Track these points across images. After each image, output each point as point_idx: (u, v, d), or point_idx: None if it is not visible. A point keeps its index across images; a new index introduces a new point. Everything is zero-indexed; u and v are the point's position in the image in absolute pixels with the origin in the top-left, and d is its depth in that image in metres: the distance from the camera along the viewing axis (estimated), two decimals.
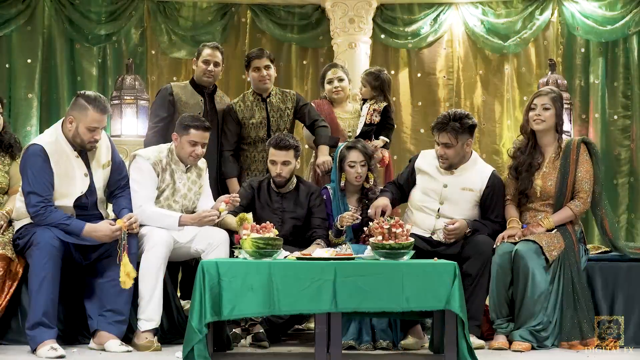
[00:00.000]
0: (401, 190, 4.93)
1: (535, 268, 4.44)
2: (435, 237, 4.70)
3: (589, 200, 4.68)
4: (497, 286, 4.50)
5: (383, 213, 4.66)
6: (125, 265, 4.24)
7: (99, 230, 4.30)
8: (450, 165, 4.73)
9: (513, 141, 5.05)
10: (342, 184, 4.98)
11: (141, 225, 4.48)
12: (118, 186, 4.61)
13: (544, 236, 4.55)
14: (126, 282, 4.24)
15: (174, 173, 4.69)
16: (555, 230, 4.62)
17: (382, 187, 5.02)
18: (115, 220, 4.49)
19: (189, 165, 4.75)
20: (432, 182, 4.76)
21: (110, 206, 4.72)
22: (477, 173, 4.76)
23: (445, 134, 4.65)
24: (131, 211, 4.51)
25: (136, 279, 4.36)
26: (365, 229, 4.63)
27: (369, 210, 4.75)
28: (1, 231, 4.45)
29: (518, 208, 4.78)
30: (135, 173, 4.65)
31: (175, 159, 4.71)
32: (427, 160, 4.85)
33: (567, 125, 6.69)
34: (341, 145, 5.08)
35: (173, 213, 4.63)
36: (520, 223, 4.71)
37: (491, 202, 4.75)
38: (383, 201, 4.77)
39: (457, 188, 4.72)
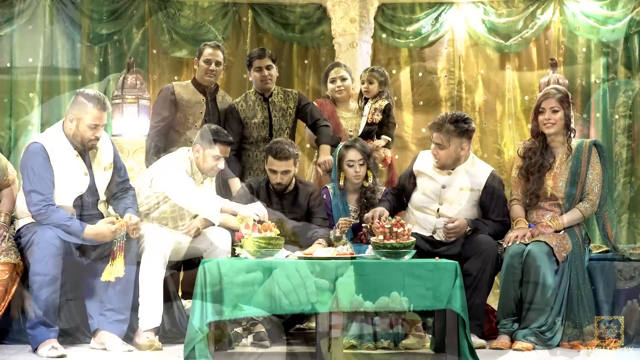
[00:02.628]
0: (400, 196, 4.92)
1: (547, 271, 4.43)
2: (436, 237, 4.70)
3: (597, 203, 4.68)
4: (507, 286, 4.49)
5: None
6: (116, 264, 4.24)
7: (99, 232, 4.29)
8: (443, 166, 4.72)
9: (523, 141, 5.04)
10: (341, 183, 4.98)
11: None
12: (120, 189, 4.61)
13: (554, 237, 4.54)
14: (107, 276, 4.24)
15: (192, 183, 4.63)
16: (563, 231, 4.62)
17: (383, 191, 5.00)
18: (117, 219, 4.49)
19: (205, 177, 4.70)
20: (431, 183, 4.75)
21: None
22: (474, 174, 4.73)
23: (438, 134, 4.65)
24: (135, 210, 4.51)
25: (137, 278, 4.36)
26: (363, 225, 4.65)
27: (367, 214, 4.67)
28: (1, 240, 4.37)
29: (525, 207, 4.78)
30: (174, 178, 4.50)
31: (195, 170, 4.66)
32: (425, 162, 4.84)
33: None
34: (341, 144, 5.07)
35: (214, 201, 4.43)
36: (527, 223, 4.70)
37: (491, 203, 4.73)
38: (380, 208, 4.68)
39: (456, 189, 4.70)
